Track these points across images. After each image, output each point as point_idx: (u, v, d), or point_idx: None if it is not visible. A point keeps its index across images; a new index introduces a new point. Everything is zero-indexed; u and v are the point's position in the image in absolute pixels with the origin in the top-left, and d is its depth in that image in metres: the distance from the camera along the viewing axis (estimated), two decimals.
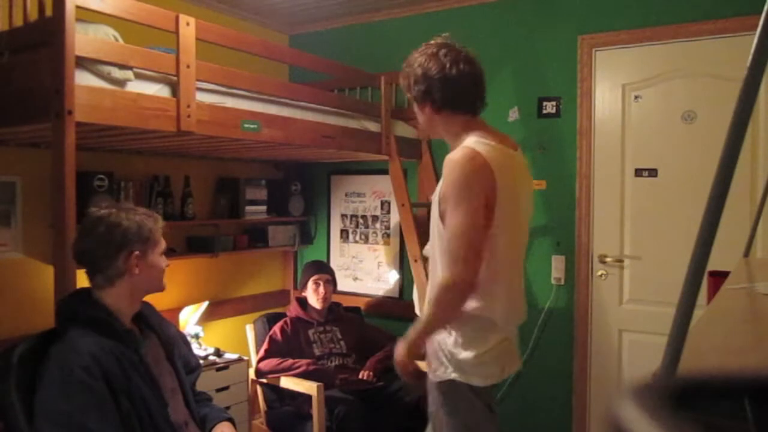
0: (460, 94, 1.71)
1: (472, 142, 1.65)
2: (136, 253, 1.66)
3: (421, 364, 1.81)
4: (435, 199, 1.72)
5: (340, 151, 3.00)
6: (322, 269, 3.35)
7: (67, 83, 1.80)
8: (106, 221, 1.65)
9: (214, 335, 3.48)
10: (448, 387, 1.69)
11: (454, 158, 1.63)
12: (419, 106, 1.77)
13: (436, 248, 1.74)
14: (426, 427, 1.84)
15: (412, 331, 1.70)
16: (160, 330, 1.82)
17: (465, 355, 1.65)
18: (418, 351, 1.71)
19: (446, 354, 1.68)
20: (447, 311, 1.64)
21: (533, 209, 1.92)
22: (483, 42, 3.37)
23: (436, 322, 1.68)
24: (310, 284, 3.26)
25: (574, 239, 3.13)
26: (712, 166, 0.57)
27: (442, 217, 1.67)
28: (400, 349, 1.72)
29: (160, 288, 1.78)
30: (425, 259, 3.20)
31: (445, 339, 1.69)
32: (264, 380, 3.05)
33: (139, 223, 1.68)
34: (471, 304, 1.65)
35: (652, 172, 2.96)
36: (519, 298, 1.80)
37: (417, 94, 1.74)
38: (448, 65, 1.68)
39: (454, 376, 1.67)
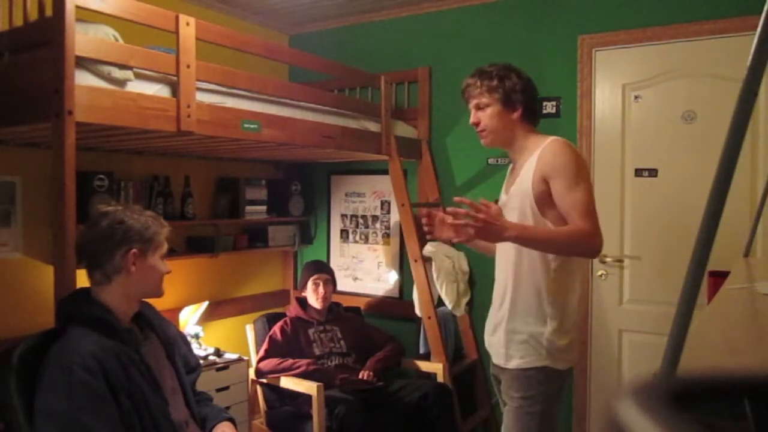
0: (535, 107, 1.96)
1: (555, 138, 1.86)
2: (134, 251, 1.66)
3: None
4: (526, 188, 1.82)
5: (340, 151, 3.00)
6: (322, 269, 3.35)
7: (67, 83, 1.81)
8: (110, 216, 1.67)
9: (214, 335, 3.48)
10: (537, 373, 1.81)
11: (556, 145, 1.80)
12: (506, 110, 1.89)
13: None
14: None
15: (533, 230, 1.79)
16: (160, 330, 1.82)
17: (562, 341, 1.81)
18: (510, 238, 1.72)
19: (544, 343, 1.80)
20: (571, 247, 1.75)
21: None
22: (483, 42, 3.37)
23: (552, 245, 1.76)
24: (310, 284, 3.26)
25: None
26: (712, 166, 0.57)
27: (539, 202, 1.79)
28: (506, 221, 1.73)
29: (158, 293, 1.77)
30: (426, 260, 3.20)
31: (541, 329, 1.80)
32: (264, 380, 3.05)
33: (144, 223, 1.69)
34: (564, 289, 1.82)
35: (652, 172, 2.96)
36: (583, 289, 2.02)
37: (512, 98, 1.88)
38: (531, 81, 1.93)
39: (546, 363, 1.80)
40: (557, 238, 1.75)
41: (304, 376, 2.89)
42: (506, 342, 1.87)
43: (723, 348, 0.89)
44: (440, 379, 3.07)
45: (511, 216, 1.87)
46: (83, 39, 1.88)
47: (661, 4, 2.90)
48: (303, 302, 3.29)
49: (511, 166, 2.03)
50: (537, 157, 1.82)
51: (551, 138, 1.86)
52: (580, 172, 1.77)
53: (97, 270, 1.66)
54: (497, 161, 3.31)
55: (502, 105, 1.89)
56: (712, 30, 2.79)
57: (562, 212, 1.76)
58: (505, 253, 1.90)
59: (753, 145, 2.73)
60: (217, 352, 3.17)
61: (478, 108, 1.94)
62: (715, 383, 0.37)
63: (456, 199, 1.78)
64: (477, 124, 1.95)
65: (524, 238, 1.74)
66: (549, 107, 3.18)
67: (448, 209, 1.75)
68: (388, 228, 3.76)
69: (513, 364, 1.85)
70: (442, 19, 3.50)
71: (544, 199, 1.79)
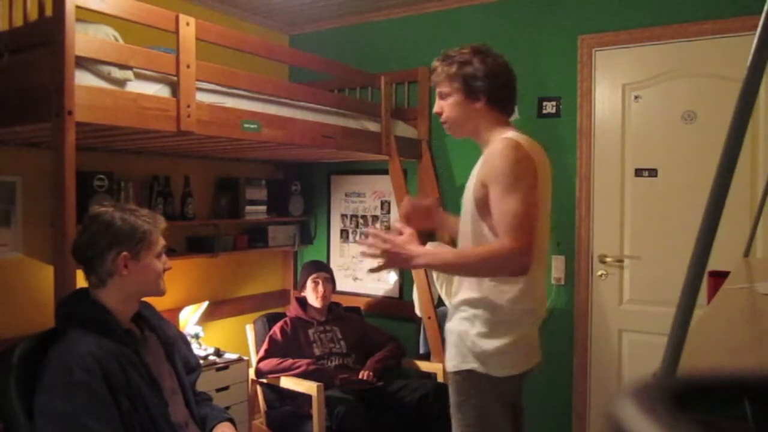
0: (508, 95, 1.81)
1: (511, 135, 1.70)
2: (125, 254, 1.63)
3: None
4: (470, 187, 1.73)
5: (340, 151, 3.00)
6: (321, 268, 3.36)
7: (67, 83, 1.81)
8: (99, 220, 1.65)
9: (214, 335, 3.48)
10: (465, 377, 1.71)
11: (499, 147, 1.66)
12: (468, 99, 1.76)
13: (463, 233, 1.77)
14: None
15: (444, 255, 1.72)
16: (160, 330, 1.82)
17: (488, 345, 1.67)
18: (419, 266, 1.70)
19: (468, 344, 1.70)
20: (488, 269, 1.65)
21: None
22: (483, 42, 3.37)
23: (466, 269, 1.69)
24: (309, 283, 3.26)
25: (574, 239, 3.13)
26: (712, 166, 0.57)
27: (479, 205, 1.69)
28: (414, 249, 1.67)
29: (158, 291, 1.74)
30: None
31: (468, 330, 1.70)
32: (264, 380, 3.05)
33: (133, 224, 1.66)
34: (500, 294, 1.68)
35: (652, 172, 2.96)
36: (544, 294, 1.84)
37: (472, 87, 1.75)
38: (502, 67, 1.79)
39: (473, 366, 1.69)
40: (470, 262, 1.66)
41: (304, 376, 2.89)
42: (446, 342, 1.81)
43: (723, 348, 0.89)
44: (440, 379, 3.07)
45: (461, 218, 1.80)
46: (83, 39, 1.88)
47: (661, 4, 2.90)
48: (303, 302, 3.29)
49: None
50: (483, 156, 1.71)
51: (502, 136, 1.71)
52: (518, 179, 1.61)
53: (92, 273, 1.66)
54: None
55: (463, 94, 1.76)
56: (712, 30, 2.79)
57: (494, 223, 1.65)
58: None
59: (753, 145, 2.73)
60: (217, 352, 3.17)
61: (441, 96, 1.81)
62: (715, 383, 0.37)
63: (365, 230, 1.73)
64: (440, 114, 1.83)
65: (434, 265, 1.70)
66: (549, 107, 3.18)
67: (358, 240, 1.71)
68: (388, 228, 3.76)
69: (449, 366, 1.76)
70: (442, 19, 3.50)
71: (483, 204, 1.67)
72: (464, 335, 1.71)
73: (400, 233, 1.72)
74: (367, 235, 1.70)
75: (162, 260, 1.74)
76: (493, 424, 1.71)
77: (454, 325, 1.77)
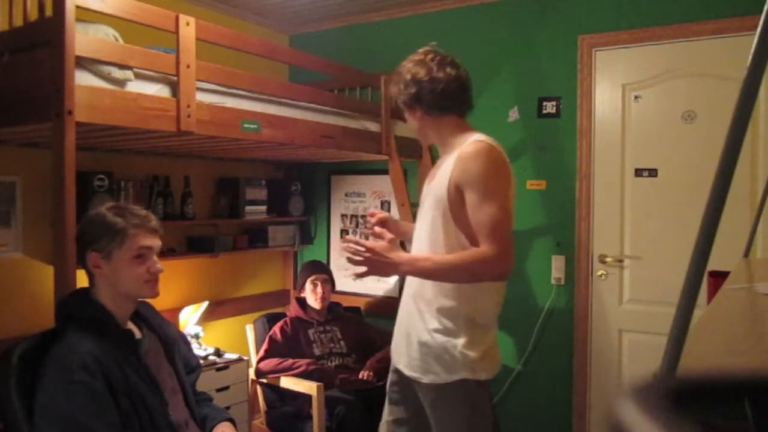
0: (447, 97, 1.78)
1: (482, 137, 1.72)
2: (94, 253, 1.62)
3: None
4: (440, 191, 1.71)
5: (340, 151, 3.00)
6: (319, 269, 3.35)
7: (67, 83, 1.80)
8: (87, 218, 1.67)
9: (214, 335, 3.48)
10: (456, 387, 1.71)
11: (475, 149, 1.67)
12: (410, 110, 1.84)
13: (425, 234, 1.76)
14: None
15: (426, 261, 1.70)
16: (160, 330, 1.81)
17: (474, 353, 1.70)
18: (403, 273, 1.74)
19: (456, 354, 1.70)
20: (471, 275, 1.66)
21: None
22: (483, 42, 3.38)
23: (451, 276, 1.68)
24: (308, 285, 3.26)
25: (574, 239, 3.13)
26: (712, 166, 0.57)
27: (453, 210, 1.69)
28: (395, 256, 1.69)
29: (141, 294, 1.69)
30: None
31: (453, 341, 1.70)
32: (264, 380, 3.05)
33: (108, 222, 1.62)
34: (482, 297, 1.72)
35: (652, 172, 2.96)
36: (503, 295, 1.87)
37: (407, 98, 1.81)
38: (435, 69, 1.78)
39: (464, 375, 1.70)
40: (455, 268, 1.66)
41: (304, 376, 2.89)
42: (417, 353, 1.83)
43: (723, 348, 0.88)
44: None
45: (422, 217, 1.81)
46: (83, 39, 1.88)
47: (661, 4, 2.90)
48: (303, 302, 3.29)
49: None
50: (454, 159, 1.70)
51: (472, 138, 1.72)
52: (494, 183, 1.64)
53: (85, 270, 1.68)
54: None
55: (406, 107, 1.84)
56: (712, 30, 2.79)
57: (473, 228, 1.66)
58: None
59: (753, 145, 2.73)
60: (217, 352, 3.17)
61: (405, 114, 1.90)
62: (715, 383, 0.37)
63: (347, 237, 1.73)
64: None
65: (417, 272, 1.71)
66: (549, 107, 3.18)
67: (342, 246, 1.76)
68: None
69: (434, 378, 1.78)
70: (442, 19, 3.50)
71: (458, 208, 1.68)
72: (450, 347, 1.70)
73: (381, 237, 1.74)
74: (348, 243, 1.71)
75: (147, 263, 1.66)
76: (486, 424, 1.77)
77: (428, 339, 1.74)
